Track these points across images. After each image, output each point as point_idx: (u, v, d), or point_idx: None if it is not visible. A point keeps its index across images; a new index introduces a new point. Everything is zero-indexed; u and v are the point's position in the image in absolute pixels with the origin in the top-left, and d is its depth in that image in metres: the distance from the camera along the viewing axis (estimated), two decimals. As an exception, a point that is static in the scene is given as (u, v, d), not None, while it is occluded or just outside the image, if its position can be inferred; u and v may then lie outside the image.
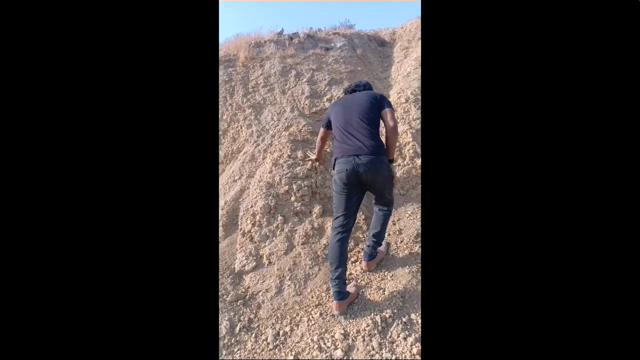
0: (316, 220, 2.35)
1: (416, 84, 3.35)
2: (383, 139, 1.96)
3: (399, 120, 3.04)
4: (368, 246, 2.05)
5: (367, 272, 2.04)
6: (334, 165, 1.93)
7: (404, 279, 1.94)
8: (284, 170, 2.53)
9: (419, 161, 2.90)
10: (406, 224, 2.44)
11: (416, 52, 3.93)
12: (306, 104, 3.32)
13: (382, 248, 2.15)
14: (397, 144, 2.83)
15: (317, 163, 2.64)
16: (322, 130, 2.27)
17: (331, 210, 2.44)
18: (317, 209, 2.40)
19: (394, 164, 2.11)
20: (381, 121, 1.97)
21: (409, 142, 2.92)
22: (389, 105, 1.98)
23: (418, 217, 2.48)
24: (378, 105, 1.97)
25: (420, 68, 3.60)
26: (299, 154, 2.66)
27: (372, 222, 2.09)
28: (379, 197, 2.02)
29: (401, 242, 2.24)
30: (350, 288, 1.90)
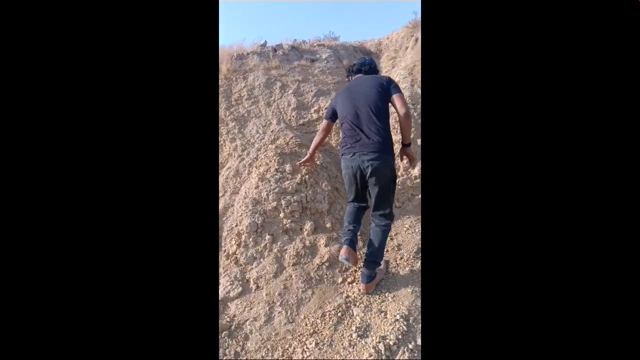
0: (307, 238, 2.16)
1: (406, 93, 3.25)
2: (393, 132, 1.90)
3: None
4: (365, 267, 1.85)
5: (366, 295, 1.85)
6: (341, 156, 1.95)
7: (407, 299, 1.76)
8: (271, 185, 2.35)
9: (413, 172, 2.76)
10: (405, 238, 2.27)
11: (404, 61, 3.86)
12: (293, 116, 3.17)
13: (381, 267, 1.96)
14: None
15: (305, 169, 2.47)
16: (324, 122, 2.18)
17: (323, 227, 2.26)
18: (308, 225, 2.22)
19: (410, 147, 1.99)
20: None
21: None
22: (397, 90, 1.87)
23: (417, 230, 2.32)
24: (386, 93, 1.87)
25: (409, 77, 3.53)
26: (287, 167, 2.48)
27: (368, 239, 1.92)
28: (378, 202, 1.88)
29: (401, 258, 2.07)
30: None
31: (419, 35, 4.21)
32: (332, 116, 2.11)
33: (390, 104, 1.90)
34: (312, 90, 3.39)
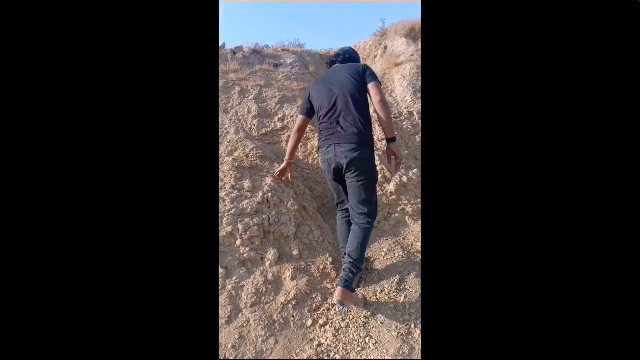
0: (270, 270, 1.79)
1: (378, 101, 3.02)
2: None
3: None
4: (344, 270, 1.58)
5: (339, 337, 1.50)
6: (317, 152, 1.88)
7: (392, 346, 1.44)
8: (226, 205, 1.96)
9: (389, 187, 2.49)
10: (383, 265, 1.96)
11: (374, 68, 3.65)
12: (254, 125, 2.81)
13: (356, 294, 1.68)
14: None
15: (285, 177, 2.19)
16: (300, 118, 1.97)
17: (289, 255, 1.90)
18: (271, 254, 1.85)
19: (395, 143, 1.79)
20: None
21: (377, 166, 2.51)
22: (373, 77, 1.75)
23: (397, 255, 2.02)
24: (362, 81, 1.75)
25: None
26: (247, 183, 2.11)
27: (348, 239, 1.69)
28: (357, 200, 1.70)
29: (381, 291, 1.75)
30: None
31: (388, 43, 4.05)
32: (309, 111, 1.94)
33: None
34: (275, 97, 3.05)
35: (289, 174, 2.20)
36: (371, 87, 1.72)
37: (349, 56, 1.99)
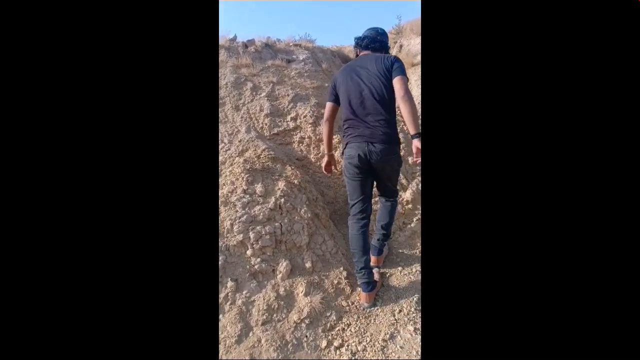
0: (282, 284, 1.68)
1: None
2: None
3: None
4: (378, 239, 1.98)
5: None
6: (344, 149, 1.80)
7: (414, 375, 1.34)
8: (237, 211, 1.85)
9: (405, 195, 2.38)
10: (401, 282, 1.86)
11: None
12: (266, 124, 2.69)
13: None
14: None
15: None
16: (329, 105, 1.93)
17: (302, 267, 1.80)
18: (283, 265, 1.74)
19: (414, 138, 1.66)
20: None
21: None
22: (401, 71, 1.68)
23: (414, 270, 1.92)
24: (389, 76, 1.69)
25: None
26: (258, 187, 2.00)
27: (378, 214, 2.00)
28: (383, 188, 1.92)
29: (399, 311, 1.64)
30: (375, 276, 1.85)
31: (403, 42, 3.91)
32: (336, 99, 1.89)
33: None
34: (288, 95, 2.92)
35: (334, 166, 2.11)
36: (396, 81, 1.66)
37: (381, 44, 1.89)
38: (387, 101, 1.69)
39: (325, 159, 2.04)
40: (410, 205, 2.34)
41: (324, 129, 2.00)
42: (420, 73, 3.24)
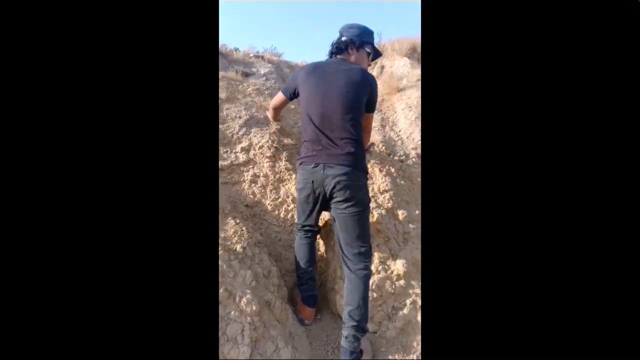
0: None
1: (375, 134, 2.29)
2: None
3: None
4: (347, 338, 1.33)
5: None
6: (298, 166, 1.57)
7: None
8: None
9: (394, 265, 1.71)
10: None
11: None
12: (204, 155, 1.95)
13: (363, 345, 1.40)
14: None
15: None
16: (280, 96, 1.78)
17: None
18: None
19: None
20: None
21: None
22: (375, 107, 1.62)
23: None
24: (368, 100, 1.53)
25: (378, 114, 2.61)
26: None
27: (345, 294, 1.42)
28: (351, 236, 1.42)
29: None
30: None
31: (385, 62, 3.37)
32: (292, 96, 1.70)
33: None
34: (240, 116, 2.21)
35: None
36: (368, 116, 1.57)
37: (357, 42, 1.61)
38: (358, 120, 1.48)
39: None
40: (402, 281, 1.66)
41: (270, 112, 1.98)
42: (406, 101, 2.68)
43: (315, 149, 1.48)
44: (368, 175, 1.68)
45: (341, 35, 1.64)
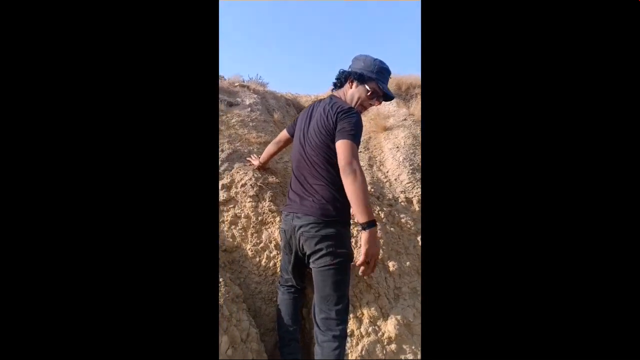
0: None
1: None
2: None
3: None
4: None
5: None
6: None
7: None
8: None
9: (385, 326, 1.56)
10: None
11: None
12: (180, 192, 1.77)
13: None
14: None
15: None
16: (284, 133, 1.72)
17: None
18: None
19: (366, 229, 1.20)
20: None
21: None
22: (346, 134, 1.23)
23: None
24: (332, 134, 1.28)
25: (363, 150, 2.54)
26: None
27: None
28: (317, 299, 1.30)
29: None
30: None
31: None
32: (293, 134, 1.61)
33: None
34: (222, 150, 2.06)
35: (258, 167, 1.95)
36: (339, 145, 1.23)
37: (358, 76, 1.44)
38: (327, 159, 1.31)
39: (256, 163, 1.93)
40: (393, 345, 1.51)
41: (269, 146, 1.85)
42: (394, 140, 2.64)
43: (291, 196, 1.42)
44: (351, 221, 1.43)
45: (347, 71, 1.46)
